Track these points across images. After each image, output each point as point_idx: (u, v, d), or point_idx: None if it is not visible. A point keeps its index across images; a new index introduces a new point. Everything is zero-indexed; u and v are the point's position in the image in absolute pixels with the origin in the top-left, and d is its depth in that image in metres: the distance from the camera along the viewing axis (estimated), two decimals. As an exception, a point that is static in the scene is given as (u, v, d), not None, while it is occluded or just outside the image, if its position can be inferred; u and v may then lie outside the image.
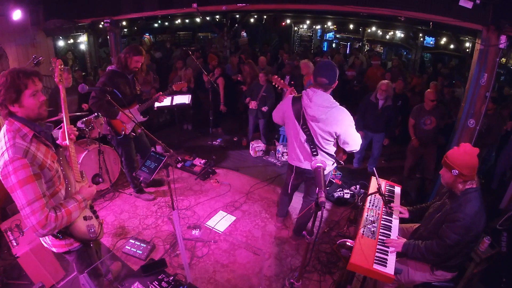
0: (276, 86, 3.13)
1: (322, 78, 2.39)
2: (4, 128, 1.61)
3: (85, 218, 1.89)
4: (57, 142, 1.92)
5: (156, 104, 3.64)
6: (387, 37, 10.42)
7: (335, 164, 2.80)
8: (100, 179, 3.79)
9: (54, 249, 1.89)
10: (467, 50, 7.23)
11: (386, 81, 4.28)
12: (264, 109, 4.93)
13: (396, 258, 2.12)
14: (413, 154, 4.27)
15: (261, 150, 5.13)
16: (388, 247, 2.17)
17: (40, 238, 1.89)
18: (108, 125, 3.37)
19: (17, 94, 1.55)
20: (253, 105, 5.01)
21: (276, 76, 3.12)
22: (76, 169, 1.90)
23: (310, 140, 2.56)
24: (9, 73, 1.55)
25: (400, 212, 2.52)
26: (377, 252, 2.11)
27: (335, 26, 11.26)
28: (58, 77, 1.99)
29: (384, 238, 2.24)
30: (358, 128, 2.57)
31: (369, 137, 4.52)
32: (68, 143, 1.89)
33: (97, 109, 3.27)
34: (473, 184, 1.98)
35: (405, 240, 2.20)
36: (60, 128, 1.99)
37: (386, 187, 2.88)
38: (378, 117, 4.27)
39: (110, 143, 4.01)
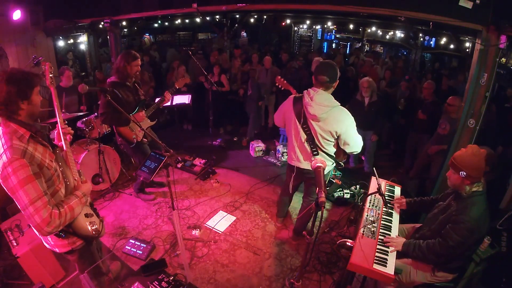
0: (280, 87, 3.05)
1: (322, 76, 2.41)
2: None
3: (86, 216, 1.90)
4: (54, 142, 1.93)
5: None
6: (387, 37, 10.43)
7: (334, 164, 2.80)
8: (100, 179, 3.84)
9: (56, 249, 1.89)
10: (467, 50, 7.23)
11: (366, 78, 4.25)
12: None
13: (396, 258, 2.12)
14: (424, 156, 4.14)
15: (261, 150, 5.13)
16: (388, 246, 2.17)
17: (42, 239, 1.89)
18: (120, 136, 3.33)
19: (29, 90, 1.59)
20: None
21: (279, 77, 3.06)
22: (74, 168, 1.91)
23: (311, 140, 2.56)
24: (17, 71, 1.59)
25: (398, 205, 2.53)
26: (377, 252, 2.11)
27: (335, 26, 11.27)
28: (49, 79, 2.02)
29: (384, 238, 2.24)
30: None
31: (361, 135, 4.43)
32: (64, 144, 1.90)
33: (109, 122, 3.27)
34: (479, 187, 1.98)
35: (404, 239, 2.20)
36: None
37: (386, 187, 2.88)
38: (366, 114, 4.20)
39: (110, 143, 4.01)
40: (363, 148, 4.53)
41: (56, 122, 1.96)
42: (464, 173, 1.95)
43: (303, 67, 6.18)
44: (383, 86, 6.04)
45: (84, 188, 1.88)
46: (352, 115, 2.52)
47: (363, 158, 4.90)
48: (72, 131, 2.03)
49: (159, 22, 10.88)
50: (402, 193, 2.85)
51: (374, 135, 4.39)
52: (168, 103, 4.67)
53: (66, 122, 2.07)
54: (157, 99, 3.51)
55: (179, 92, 5.04)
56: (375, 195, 2.65)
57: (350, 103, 4.38)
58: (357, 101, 4.33)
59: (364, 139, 4.43)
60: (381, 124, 4.44)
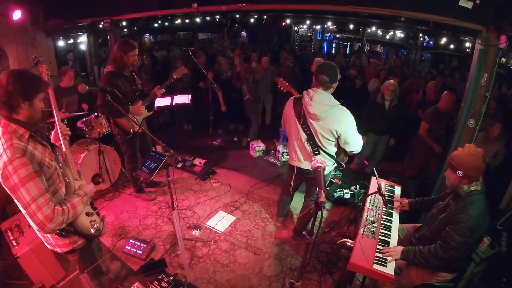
0: (282, 89, 3.02)
1: (323, 75, 2.42)
2: None
3: (87, 214, 1.91)
4: (52, 141, 1.94)
5: (156, 104, 3.60)
6: (387, 37, 10.43)
7: (335, 165, 2.80)
8: (100, 179, 3.84)
9: (58, 249, 1.90)
10: (467, 50, 7.23)
11: (392, 81, 4.16)
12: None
13: (396, 258, 2.12)
14: (423, 157, 4.11)
15: (261, 150, 5.13)
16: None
17: (43, 239, 1.89)
18: (116, 126, 3.31)
19: (33, 93, 1.61)
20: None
21: (282, 79, 3.03)
22: (73, 168, 1.92)
23: (311, 140, 2.56)
24: (27, 72, 1.61)
25: (400, 207, 2.54)
26: (377, 252, 2.11)
27: (335, 26, 11.26)
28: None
29: (385, 238, 2.24)
30: (363, 132, 2.55)
31: (374, 140, 4.42)
32: (62, 143, 1.91)
33: (108, 114, 3.25)
34: (478, 186, 1.99)
35: (402, 247, 2.16)
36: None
37: (386, 187, 2.88)
38: (386, 118, 4.17)
39: (110, 143, 4.00)
40: (365, 150, 4.57)
41: (55, 122, 1.97)
42: (461, 173, 1.95)
43: (293, 66, 6.17)
44: (377, 86, 5.93)
45: (87, 188, 1.90)
46: (372, 118, 2.50)
47: (366, 162, 4.90)
48: (70, 133, 2.04)
49: (159, 22, 10.87)
50: (402, 193, 2.85)
51: (392, 138, 4.42)
52: (168, 103, 4.68)
53: (66, 122, 2.08)
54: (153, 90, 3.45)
55: (180, 92, 5.05)
56: (375, 195, 2.65)
57: (369, 106, 4.31)
58: (377, 104, 4.20)
59: (377, 144, 4.47)
60: (399, 128, 4.38)
